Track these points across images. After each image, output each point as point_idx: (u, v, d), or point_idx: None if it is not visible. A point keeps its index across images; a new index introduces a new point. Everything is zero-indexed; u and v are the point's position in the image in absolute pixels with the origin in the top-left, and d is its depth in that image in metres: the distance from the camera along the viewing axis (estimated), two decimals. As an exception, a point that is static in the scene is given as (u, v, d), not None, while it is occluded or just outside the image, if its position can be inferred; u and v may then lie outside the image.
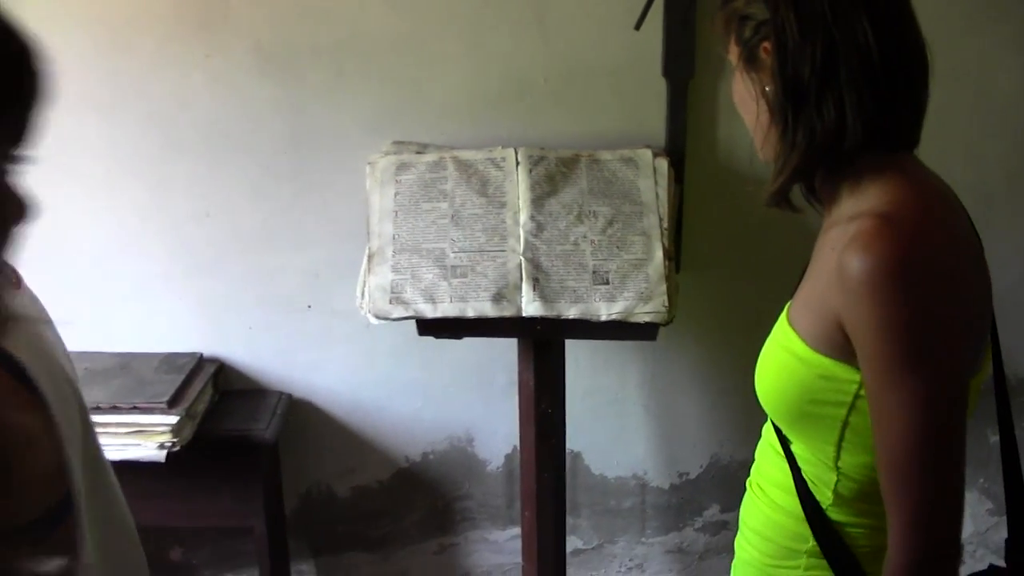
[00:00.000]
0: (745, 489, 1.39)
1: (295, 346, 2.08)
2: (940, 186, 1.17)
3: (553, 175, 1.88)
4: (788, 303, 1.22)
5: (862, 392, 1.08)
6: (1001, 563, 1.30)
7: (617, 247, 1.83)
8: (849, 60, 1.07)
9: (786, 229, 1.99)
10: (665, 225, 1.85)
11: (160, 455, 1.81)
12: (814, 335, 1.12)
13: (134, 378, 1.94)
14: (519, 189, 1.86)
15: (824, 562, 1.19)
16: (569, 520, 2.13)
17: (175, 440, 1.83)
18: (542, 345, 1.89)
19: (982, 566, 1.29)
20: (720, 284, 2.09)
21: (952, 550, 1.05)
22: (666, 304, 1.77)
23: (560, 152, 1.90)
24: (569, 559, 2.15)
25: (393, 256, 1.80)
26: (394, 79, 1.91)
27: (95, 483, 0.93)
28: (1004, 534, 1.35)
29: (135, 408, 1.84)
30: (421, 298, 1.76)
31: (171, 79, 1.90)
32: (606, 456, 2.22)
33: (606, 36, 1.90)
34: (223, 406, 2.04)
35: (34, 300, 0.91)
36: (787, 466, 1.21)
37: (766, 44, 1.12)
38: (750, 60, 1.15)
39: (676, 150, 1.98)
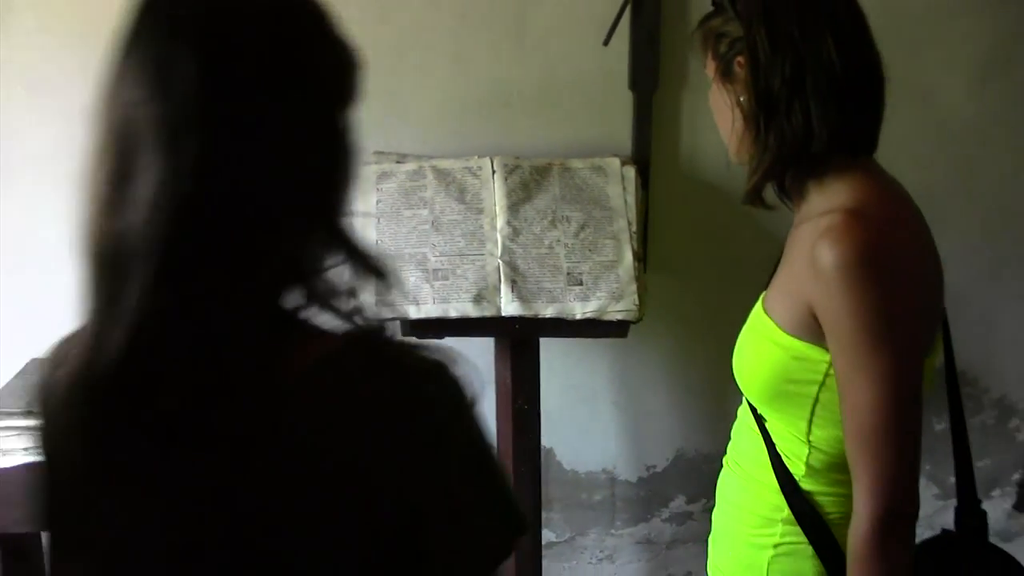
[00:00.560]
0: (709, 479, 1.51)
1: None
2: (899, 187, 1.30)
3: (527, 183, 1.98)
4: (762, 294, 1.34)
5: (831, 371, 1.20)
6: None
7: (589, 250, 1.93)
8: (815, 73, 1.19)
9: (745, 232, 2.11)
10: (633, 229, 1.96)
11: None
12: (788, 321, 1.24)
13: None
14: (495, 196, 1.95)
15: (798, 528, 1.29)
16: (541, 514, 2.22)
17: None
18: (518, 344, 1.98)
19: (933, 542, 1.42)
20: (684, 284, 2.19)
21: (911, 508, 1.17)
22: (636, 302, 1.88)
23: (534, 161, 2.00)
24: (542, 552, 2.24)
25: (377, 260, 1.88)
26: (375, 92, 1.94)
27: None
28: (950, 517, 1.47)
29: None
30: (405, 300, 1.85)
31: (159, 91, 1.97)
32: (577, 451, 2.32)
33: (577, 52, 1.99)
34: None
35: None
36: (762, 442, 1.32)
37: (740, 59, 1.24)
38: (726, 73, 1.27)
39: (642, 158, 2.08)
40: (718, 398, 2.24)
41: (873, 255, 1.14)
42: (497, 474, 0.82)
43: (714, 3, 1.31)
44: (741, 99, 1.25)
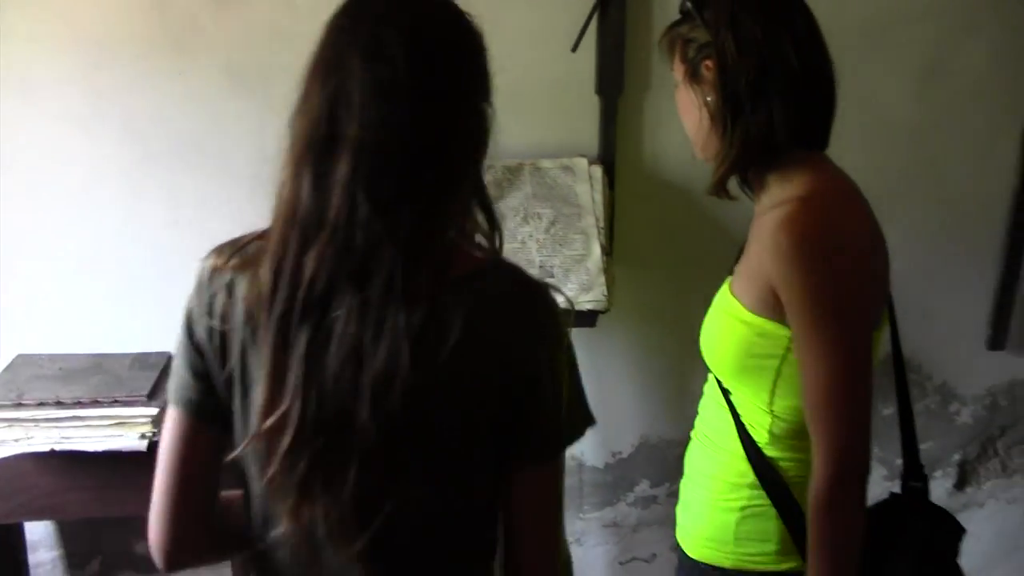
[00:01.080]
0: (672, 464, 1.62)
1: None
2: (848, 179, 1.42)
3: (500, 182, 2.07)
4: (728, 278, 1.46)
5: (791, 346, 1.31)
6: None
7: (559, 244, 2.04)
8: (776, 75, 1.31)
9: (705, 227, 2.21)
10: (601, 224, 2.06)
11: (142, 445, 1.90)
12: (752, 300, 1.35)
13: (110, 375, 2.03)
14: (470, 194, 2.05)
15: (762, 492, 1.40)
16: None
17: (155, 431, 1.91)
18: (493, 334, 2.08)
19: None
20: (648, 277, 2.27)
21: (864, 468, 1.28)
22: (605, 293, 1.98)
23: (506, 161, 2.08)
24: (514, 535, 2.33)
25: (360, 255, 1.97)
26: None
27: None
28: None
29: (116, 401, 1.93)
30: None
31: (147, 95, 2.02)
32: (547, 439, 2.41)
33: (547, 59, 2.06)
34: None
35: None
36: (729, 414, 1.43)
37: (708, 62, 1.34)
38: (694, 75, 1.37)
39: (608, 159, 2.17)
40: (680, 386, 2.34)
41: (826, 237, 1.26)
42: (580, 377, 1.12)
43: (682, 11, 1.40)
44: (708, 99, 1.36)
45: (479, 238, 1.08)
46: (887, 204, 2.30)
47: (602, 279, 1.99)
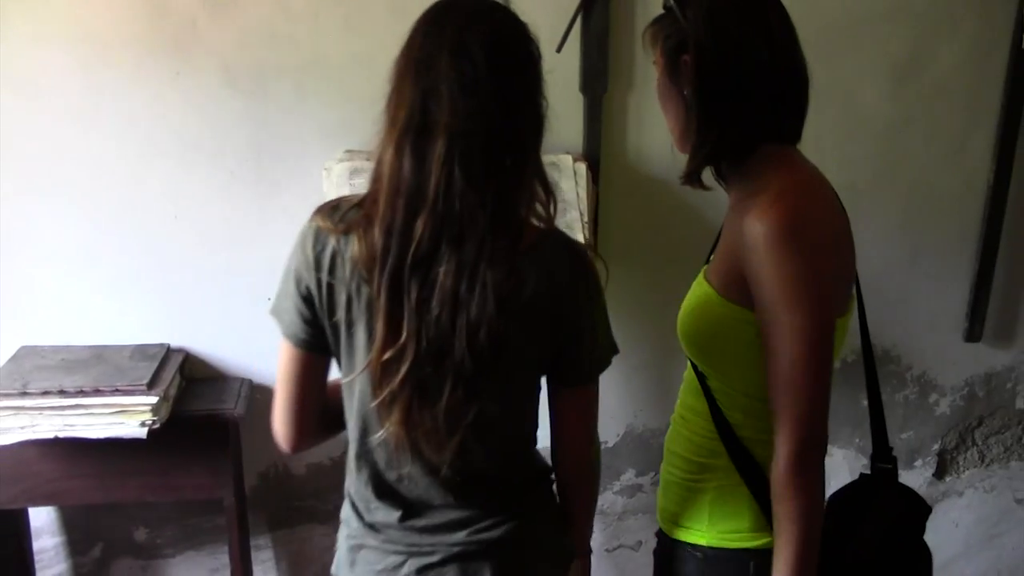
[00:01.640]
0: (657, 453, 1.67)
1: (255, 336, 2.20)
2: (818, 173, 1.46)
3: (488, 178, 2.14)
4: (704, 267, 1.52)
5: (759, 330, 1.38)
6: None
7: (546, 239, 2.10)
8: (751, 72, 1.36)
9: (686, 220, 2.28)
10: (586, 219, 2.12)
11: (142, 432, 1.96)
12: (725, 287, 1.41)
13: (111, 366, 2.09)
14: (459, 190, 2.11)
15: (734, 470, 1.46)
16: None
17: (155, 418, 1.98)
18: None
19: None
20: (632, 269, 2.33)
21: (821, 442, 1.34)
22: (590, 286, 2.05)
23: (494, 158, 2.16)
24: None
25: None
26: (348, 95, 2.12)
27: None
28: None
29: (117, 390, 1.99)
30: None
31: (146, 94, 2.09)
32: (535, 429, 2.47)
33: None
34: (191, 391, 2.20)
35: None
36: (703, 396, 1.50)
37: (686, 57, 1.39)
38: (672, 69, 1.43)
39: (593, 155, 2.23)
40: (664, 377, 2.40)
41: (792, 228, 1.30)
42: (608, 319, 1.43)
43: (664, 7, 1.45)
44: (685, 92, 1.41)
45: (538, 207, 1.33)
46: (866, 199, 2.40)
47: (587, 272, 2.05)
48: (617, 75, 2.21)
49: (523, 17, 1.32)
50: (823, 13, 2.25)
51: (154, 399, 2.00)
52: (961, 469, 2.77)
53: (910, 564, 1.53)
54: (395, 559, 1.43)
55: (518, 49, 1.28)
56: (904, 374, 2.62)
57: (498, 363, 1.28)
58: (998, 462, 2.78)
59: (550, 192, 1.34)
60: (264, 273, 2.19)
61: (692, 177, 1.46)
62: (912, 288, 2.53)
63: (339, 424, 1.46)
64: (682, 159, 1.48)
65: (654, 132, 2.23)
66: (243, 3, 2.08)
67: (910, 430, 2.67)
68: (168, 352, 2.21)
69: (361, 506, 1.46)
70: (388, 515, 1.43)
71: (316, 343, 1.38)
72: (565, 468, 1.51)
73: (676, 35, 1.42)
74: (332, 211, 1.33)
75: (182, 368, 2.22)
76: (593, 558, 1.68)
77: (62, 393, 1.99)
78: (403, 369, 1.27)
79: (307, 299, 1.34)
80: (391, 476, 1.41)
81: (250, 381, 2.29)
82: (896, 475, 1.58)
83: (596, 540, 2.56)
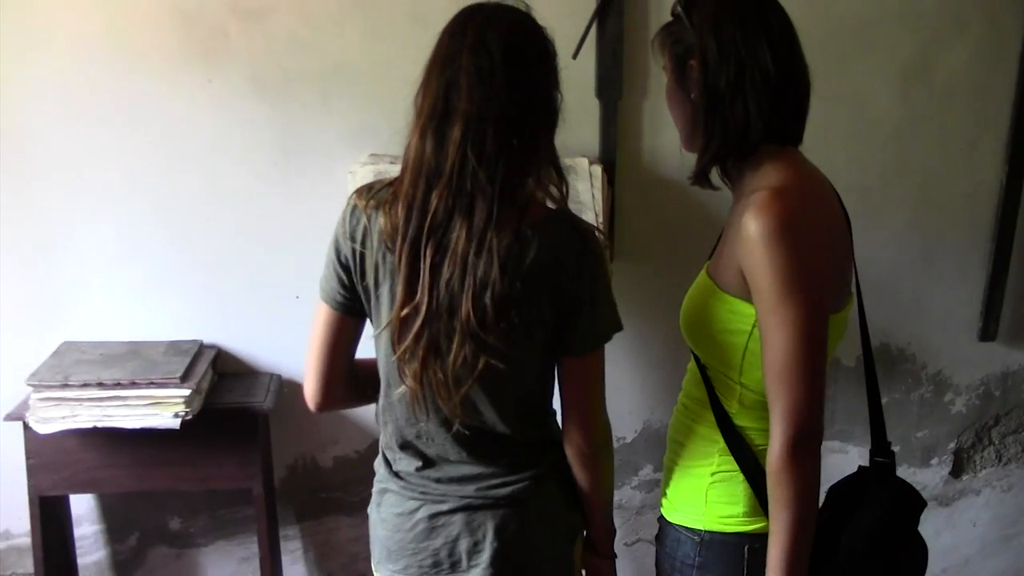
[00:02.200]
0: None
1: (284, 333, 2.33)
2: (817, 173, 1.52)
3: (506, 180, 2.21)
4: (707, 262, 1.58)
5: (757, 322, 1.44)
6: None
7: (562, 239, 2.16)
8: (753, 76, 1.42)
9: (698, 222, 2.31)
10: (601, 220, 2.17)
11: (175, 423, 2.06)
12: (725, 281, 1.47)
13: (146, 360, 2.19)
14: (478, 192, 2.18)
15: (731, 458, 1.53)
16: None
17: (187, 410, 2.08)
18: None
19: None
20: (647, 269, 2.38)
21: (815, 431, 1.39)
22: (605, 285, 2.11)
23: (512, 161, 2.22)
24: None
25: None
26: (372, 100, 2.20)
27: None
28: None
29: (152, 383, 2.09)
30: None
31: (179, 101, 2.19)
32: (554, 424, 2.53)
33: None
34: (222, 386, 2.29)
35: None
36: (704, 386, 1.56)
37: (692, 61, 1.46)
38: (680, 73, 1.50)
39: (608, 159, 2.29)
40: (679, 374, 2.40)
41: (788, 225, 1.36)
42: (612, 296, 1.53)
43: (673, 14, 1.52)
44: (692, 95, 1.48)
45: (552, 189, 1.47)
46: (877, 200, 2.44)
47: (601, 271, 2.10)
48: (631, 81, 2.27)
49: (540, 23, 1.42)
50: (833, 17, 2.29)
51: (187, 391, 2.10)
52: (978, 468, 2.78)
53: (902, 554, 1.57)
54: (412, 504, 1.59)
55: (533, 46, 1.44)
56: (919, 373, 2.64)
57: (501, 322, 1.42)
58: (1015, 461, 2.80)
59: (563, 176, 1.48)
60: (292, 273, 2.29)
61: (700, 177, 1.52)
62: (926, 287, 2.55)
63: (365, 394, 1.65)
64: (692, 160, 1.54)
65: (667, 136, 2.27)
66: (271, 14, 2.17)
67: (925, 428, 2.70)
68: (201, 348, 2.30)
69: (389, 456, 1.65)
70: (409, 464, 1.60)
71: (350, 306, 1.55)
72: (570, 439, 1.59)
73: (683, 41, 1.49)
74: (367, 191, 1.51)
75: (214, 363, 2.31)
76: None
77: (100, 385, 2.09)
78: (416, 324, 1.43)
79: (344, 266, 1.52)
80: (410, 433, 1.57)
81: (279, 376, 2.37)
82: (893, 469, 1.62)
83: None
